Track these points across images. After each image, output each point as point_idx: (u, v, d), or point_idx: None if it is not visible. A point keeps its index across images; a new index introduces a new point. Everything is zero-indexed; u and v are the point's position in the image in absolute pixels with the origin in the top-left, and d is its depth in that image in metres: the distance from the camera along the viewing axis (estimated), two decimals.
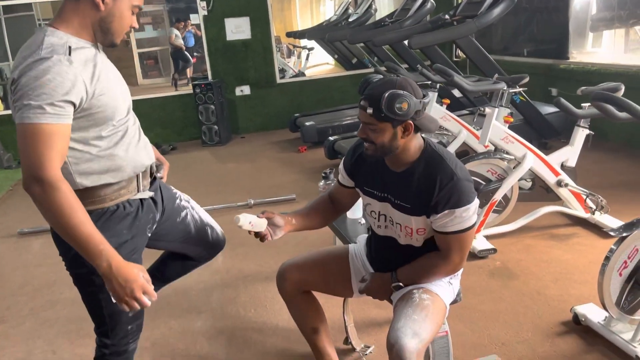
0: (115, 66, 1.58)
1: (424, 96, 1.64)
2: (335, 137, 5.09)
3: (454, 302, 1.90)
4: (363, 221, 2.61)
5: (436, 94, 3.93)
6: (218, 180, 5.08)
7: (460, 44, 4.36)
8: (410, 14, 5.29)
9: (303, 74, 8.37)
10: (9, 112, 6.45)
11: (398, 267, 1.81)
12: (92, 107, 1.40)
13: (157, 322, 2.68)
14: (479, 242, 3.06)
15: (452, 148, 3.81)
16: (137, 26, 1.51)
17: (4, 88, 6.85)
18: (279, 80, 6.98)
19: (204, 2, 6.44)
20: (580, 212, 3.26)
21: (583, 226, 3.29)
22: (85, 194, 1.46)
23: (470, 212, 1.63)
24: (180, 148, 6.49)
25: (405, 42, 4.79)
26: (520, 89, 3.72)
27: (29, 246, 3.83)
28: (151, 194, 1.66)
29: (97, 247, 1.34)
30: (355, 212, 2.71)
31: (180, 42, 9.37)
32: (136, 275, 1.38)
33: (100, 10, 1.42)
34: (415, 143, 1.68)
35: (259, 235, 1.76)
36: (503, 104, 3.47)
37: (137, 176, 1.58)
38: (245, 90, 6.84)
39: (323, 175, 2.80)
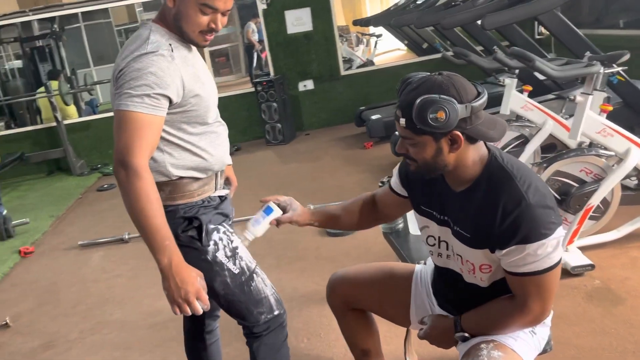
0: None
1: (479, 95, 1.25)
2: None
3: (543, 352, 1.51)
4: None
5: (515, 80, 3.42)
6: (280, 182, 4.84)
7: (543, 20, 3.78)
8: None
9: (372, 63, 7.95)
10: (81, 119, 6.60)
11: (463, 309, 1.44)
12: (187, 104, 1.46)
13: None
14: (573, 256, 2.56)
15: (537, 141, 3.29)
16: (216, 27, 1.45)
17: (75, 96, 7.00)
18: (343, 72, 6.62)
19: None
20: None
21: None
22: (176, 189, 1.52)
23: (549, 249, 1.23)
24: (244, 148, 6.33)
25: (479, 22, 4.27)
26: (619, 69, 3.14)
27: (88, 259, 3.77)
28: (227, 191, 1.70)
29: (163, 241, 1.36)
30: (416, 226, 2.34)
31: (256, 37, 9.31)
32: (193, 278, 1.39)
33: (171, 8, 1.44)
34: (473, 156, 1.30)
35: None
36: (598, 88, 2.93)
37: (217, 174, 1.61)
38: (309, 85, 6.55)
39: (380, 184, 2.44)
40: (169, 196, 1.52)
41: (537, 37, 6.36)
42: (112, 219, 4.53)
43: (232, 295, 1.58)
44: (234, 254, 1.57)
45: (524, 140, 3.48)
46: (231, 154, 6.28)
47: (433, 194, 1.44)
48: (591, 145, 2.69)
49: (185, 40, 1.49)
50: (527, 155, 3.28)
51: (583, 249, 2.64)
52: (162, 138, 1.46)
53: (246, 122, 6.57)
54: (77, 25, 9.50)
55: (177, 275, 1.37)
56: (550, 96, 4.44)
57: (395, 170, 1.59)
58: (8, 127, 7.03)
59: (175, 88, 1.41)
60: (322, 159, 5.36)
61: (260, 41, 8.45)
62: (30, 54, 7.95)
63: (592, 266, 2.51)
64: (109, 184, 5.61)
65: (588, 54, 3.20)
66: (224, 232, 1.58)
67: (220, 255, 1.55)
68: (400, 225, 2.43)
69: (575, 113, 2.58)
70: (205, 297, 1.42)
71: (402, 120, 1.26)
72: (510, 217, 1.23)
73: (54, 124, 6.13)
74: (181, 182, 1.52)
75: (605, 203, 2.67)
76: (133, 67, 1.37)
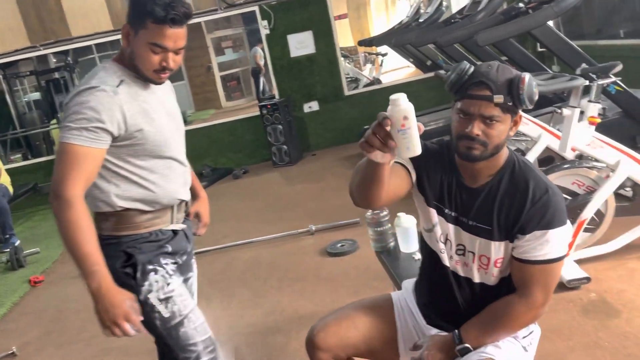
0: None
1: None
2: None
3: None
4: (418, 256, 2.24)
5: None
6: (284, 204, 4.89)
7: (537, 35, 3.80)
8: (481, 7, 4.79)
9: (379, 81, 8.03)
10: None
11: (460, 318, 1.45)
12: (132, 138, 1.49)
13: None
14: (568, 270, 2.54)
15: (533, 155, 3.29)
16: (168, 66, 1.49)
17: None
18: (347, 93, 6.69)
19: (265, 21, 6.32)
20: None
21: None
22: (121, 220, 1.54)
23: (564, 238, 1.33)
24: (252, 171, 6.41)
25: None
26: (615, 79, 3.14)
27: None
28: (184, 226, 1.70)
29: (92, 266, 1.38)
30: (410, 244, 2.36)
31: (262, 62, 9.49)
32: (121, 301, 1.40)
33: (126, 47, 1.50)
34: (505, 148, 1.39)
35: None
36: (592, 99, 2.93)
37: (172, 208, 1.62)
38: (314, 106, 6.64)
39: None
40: (114, 227, 1.55)
41: (540, 49, 6.36)
42: None
43: (160, 337, 1.61)
44: (167, 298, 1.57)
45: (521, 154, 3.47)
46: (239, 177, 6.31)
47: (443, 189, 1.45)
48: (582, 157, 2.69)
49: (142, 78, 1.52)
50: None
51: (579, 262, 2.62)
52: (109, 169, 1.50)
53: (253, 145, 6.66)
54: (92, 56, 9.76)
55: (106, 299, 1.38)
56: (551, 109, 4.43)
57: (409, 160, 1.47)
58: (25, 158, 7.23)
59: (116, 122, 1.44)
60: (327, 179, 5.40)
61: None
62: (46, 86, 8.20)
63: (588, 279, 2.49)
64: None
65: (584, 65, 3.22)
66: (162, 275, 1.58)
67: (153, 297, 1.56)
68: (392, 244, 2.45)
69: (564, 126, 2.59)
70: (136, 319, 1.43)
71: (499, 97, 1.28)
72: (540, 202, 1.31)
73: None
74: (127, 214, 1.55)
75: (600, 215, 2.65)
76: (75, 101, 1.43)
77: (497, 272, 1.40)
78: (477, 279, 1.44)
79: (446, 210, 1.44)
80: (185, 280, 1.73)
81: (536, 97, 1.30)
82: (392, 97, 1.15)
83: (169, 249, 1.62)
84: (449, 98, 4.43)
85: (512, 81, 1.29)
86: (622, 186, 2.63)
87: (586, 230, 2.64)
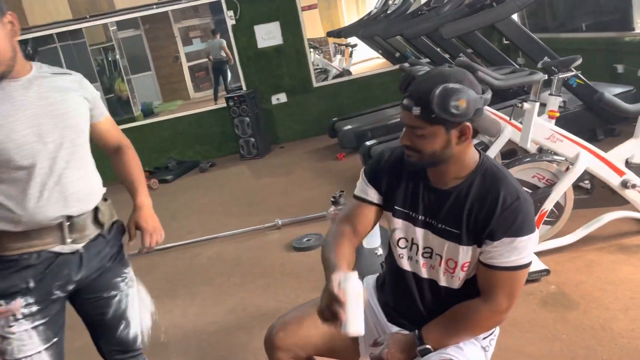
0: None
1: (484, 91, 1.29)
2: (373, 141, 4.69)
3: None
4: (380, 251, 2.23)
5: None
6: (251, 198, 4.83)
7: (500, 28, 3.82)
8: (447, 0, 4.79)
9: (349, 72, 8.00)
10: None
11: (421, 319, 1.43)
12: None
13: None
14: None
15: (496, 148, 3.32)
16: None
17: None
18: (315, 84, 6.64)
19: (231, 11, 6.21)
20: None
21: None
22: None
23: (530, 246, 1.30)
24: (219, 164, 6.32)
25: None
26: (575, 72, 3.18)
27: None
28: (75, 248, 1.48)
29: None
30: (373, 239, 2.34)
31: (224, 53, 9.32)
32: None
33: None
34: (471, 152, 1.35)
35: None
36: (553, 92, 2.96)
37: (62, 227, 1.43)
38: (282, 98, 6.57)
39: (332, 199, 2.44)
40: None
41: (505, 42, 6.43)
42: None
43: None
44: (4, 337, 1.45)
45: (483, 147, 3.50)
46: (205, 170, 6.22)
47: (410, 194, 1.42)
48: (542, 151, 2.71)
49: None
50: None
51: (539, 254, 2.66)
52: None
53: (220, 137, 6.56)
54: (53, 45, 9.46)
55: None
56: (515, 101, 4.48)
57: (362, 175, 1.53)
58: None
59: None
60: (295, 172, 5.36)
61: None
62: None
63: (547, 271, 2.53)
64: None
65: (546, 58, 3.24)
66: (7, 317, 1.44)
67: None
68: None
69: (524, 120, 2.60)
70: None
71: (416, 109, 1.26)
72: (509, 210, 1.28)
73: None
74: None
75: (560, 208, 2.69)
76: None
77: (464, 275, 1.39)
78: (442, 282, 1.42)
79: (414, 215, 1.42)
80: (107, 298, 1.60)
81: (459, 108, 1.21)
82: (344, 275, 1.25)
83: (58, 272, 1.46)
84: None
85: (432, 92, 1.23)
86: (580, 179, 2.67)
87: (546, 222, 2.67)
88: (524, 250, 1.29)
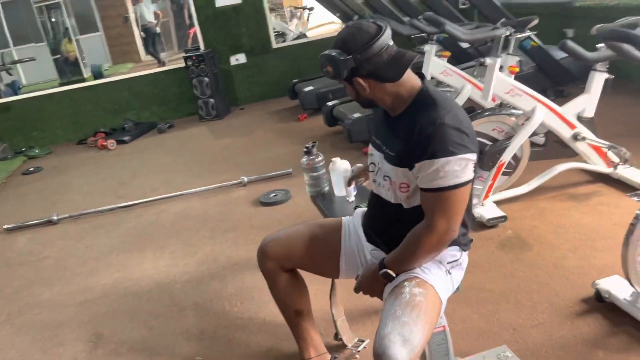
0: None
1: (369, 44, 1.40)
2: (335, 102, 4.74)
3: (456, 290, 1.63)
4: (352, 198, 2.32)
5: (434, 47, 3.55)
6: (213, 157, 4.82)
7: None
8: None
9: (305, 36, 7.95)
10: (1, 101, 6.25)
11: (389, 238, 1.57)
12: None
13: (136, 322, 2.48)
14: (488, 210, 2.74)
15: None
16: None
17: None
18: (275, 45, 6.59)
19: None
20: (601, 167, 2.91)
21: (605, 182, 2.94)
22: None
23: (456, 167, 1.37)
24: (177, 125, 6.22)
25: None
26: (530, 33, 3.32)
27: (13, 243, 3.65)
28: None
29: None
30: (344, 187, 2.42)
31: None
32: None
33: None
34: (402, 88, 1.47)
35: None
36: (510, 52, 3.10)
37: None
38: (241, 58, 6.49)
39: (305, 150, 2.51)
40: None
41: (461, 6, 6.56)
42: (39, 201, 4.39)
43: None
44: None
45: (469, 109, 3.63)
46: (163, 131, 6.15)
47: (376, 124, 1.63)
48: (502, 105, 2.85)
49: None
50: None
51: (498, 203, 2.83)
52: None
53: (178, 98, 6.44)
54: None
55: None
56: (473, 63, 4.62)
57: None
58: None
59: None
60: (256, 133, 5.37)
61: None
62: None
63: (504, 218, 2.70)
64: (34, 167, 5.39)
65: (503, 20, 3.37)
66: None
67: None
68: (327, 189, 2.51)
69: (486, 75, 2.73)
70: None
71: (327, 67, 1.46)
72: (424, 134, 1.38)
73: None
74: None
75: (517, 159, 2.86)
76: None
77: (405, 196, 1.51)
78: (394, 200, 1.55)
79: (378, 141, 1.59)
80: None
81: (329, 73, 1.44)
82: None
83: None
84: None
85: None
86: (536, 133, 2.83)
87: (504, 173, 2.83)
88: (449, 171, 1.36)
